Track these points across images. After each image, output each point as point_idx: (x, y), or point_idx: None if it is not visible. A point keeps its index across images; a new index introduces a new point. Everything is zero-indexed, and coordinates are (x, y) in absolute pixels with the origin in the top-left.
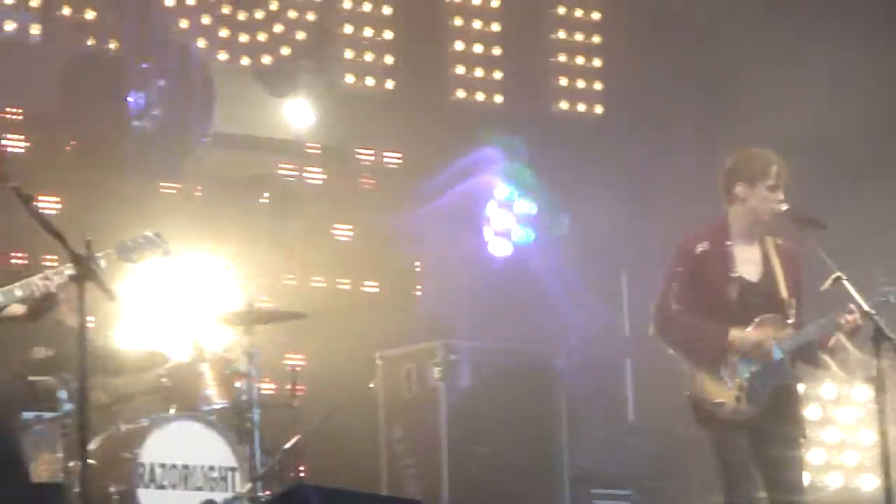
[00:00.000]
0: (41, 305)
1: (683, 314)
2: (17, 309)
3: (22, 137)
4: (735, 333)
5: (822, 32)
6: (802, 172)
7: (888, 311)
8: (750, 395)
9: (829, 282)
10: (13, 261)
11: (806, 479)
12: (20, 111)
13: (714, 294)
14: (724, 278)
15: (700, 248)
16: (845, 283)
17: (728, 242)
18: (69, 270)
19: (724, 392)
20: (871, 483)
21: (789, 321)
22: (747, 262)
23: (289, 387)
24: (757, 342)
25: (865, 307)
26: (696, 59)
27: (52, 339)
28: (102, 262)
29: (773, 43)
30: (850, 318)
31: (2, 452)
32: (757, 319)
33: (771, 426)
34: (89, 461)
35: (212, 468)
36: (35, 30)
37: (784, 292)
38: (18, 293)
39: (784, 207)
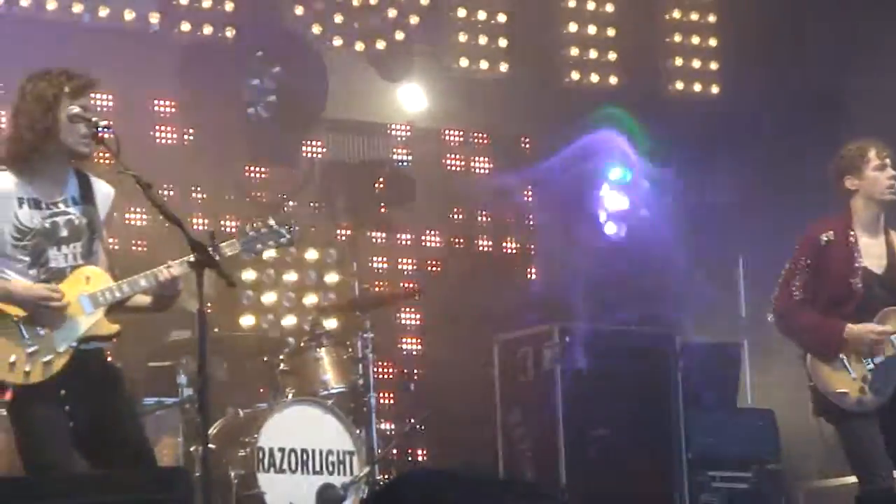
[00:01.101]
0: (165, 294)
1: (805, 305)
2: (143, 299)
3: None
4: (851, 332)
5: None
6: None
7: None
8: (873, 386)
9: None
10: (134, 248)
11: None
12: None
13: (839, 285)
14: (849, 269)
15: (825, 238)
16: None
17: (851, 233)
18: (189, 258)
19: (847, 382)
20: None
21: None
22: (872, 255)
23: (405, 371)
24: (873, 342)
25: None
26: (816, 38)
27: (186, 322)
28: (227, 253)
29: None
30: None
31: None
32: (881, 312)
33: None
34: (209, 446)
35: (330, 452)
36: (154, 18)
37: None
38: (143, 283)
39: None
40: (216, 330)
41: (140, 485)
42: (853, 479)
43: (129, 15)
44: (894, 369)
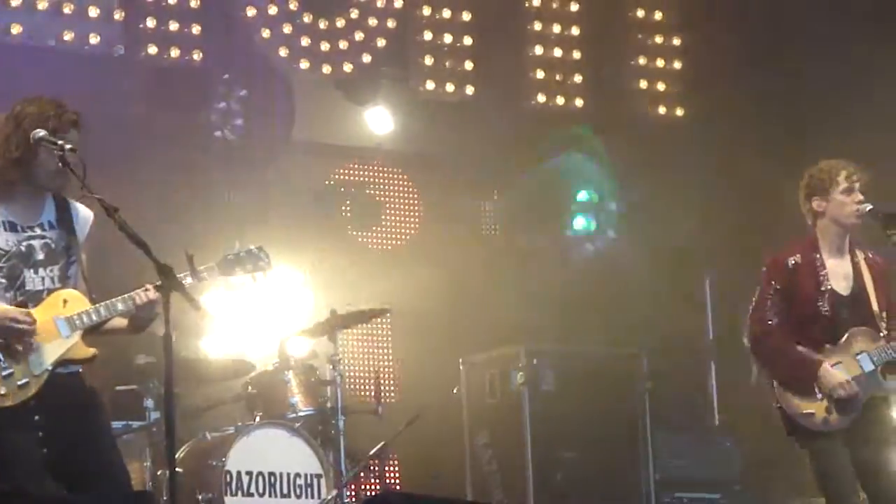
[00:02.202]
0: (142, 317)
1: (779, 330)
2: (120, 322)
3: None
4: (824, 374)
5: None
6: None
7: None
8: (840, 407)
9: None
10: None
11: None
12: None
13: (806, 308)
14: (816, 292)
15: (792, 261)
16: None
17: (817, 255)
18: (156, 282)
19: (812, 403)
20: None
21: (881, 334)
22: (838, 276)
23: (373, 393)
24: (842, 387)
25: None
26: (780, 60)
27: (151, 347)
28: (206, 277)
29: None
30: None
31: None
32: (848, 333)
33: (864, 433)
34: (177, 470)
35: (298, 475)
36: (119, 42)
37: (875, 305)
38: (120, 306)
39: (868, 208)
40: (183, 354)
41: None
42: (820, 500)
43: (94, 39)
44: (862, 390)
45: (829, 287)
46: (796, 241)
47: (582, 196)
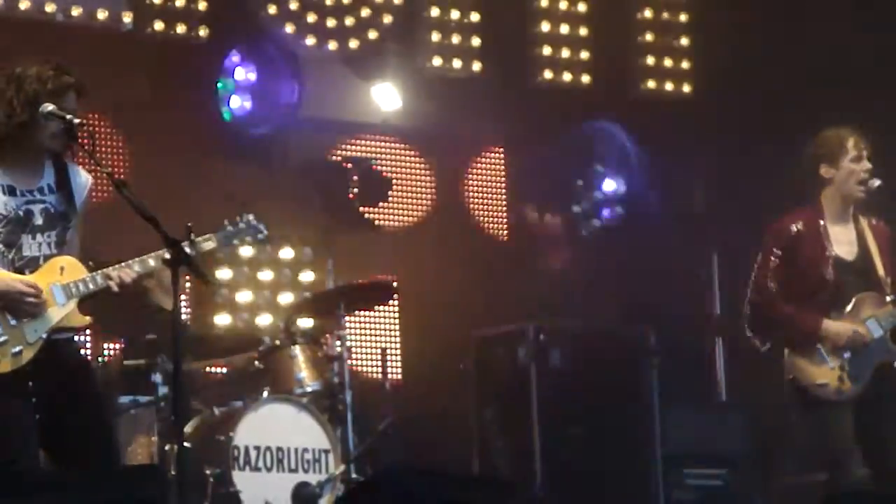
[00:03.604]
0: (133, 289)
1: (780, 296)
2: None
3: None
4: (827, 329)
5: None
6: None
7: None
8: (852, 373)
9: None
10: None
11: None
12: None
13: (810, 274)
14: (820, 258)
15: (795, 228)
16: None
17: (821, 222)
18: (165, 255)
19: (825, 372)
20: None
21: (888, 298)
22: (842, 242)
23: (380, 369)
24: (850, 337)
25: None
26: (788, 36)
27: (156, 323)
28: (205, 247)
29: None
30: None
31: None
32: (854, 298)
33: (876, 403)
34: (184, 444)
35: (305, 450)
36: (126, 17)
37: (881, 270)
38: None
39: (877, 183)
40: (191, 329)
41: (113, 482)
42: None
43: (101, 14)
44: (872, 355)
45: (832, 253)
46: (799, 208)
47: (590, 173)
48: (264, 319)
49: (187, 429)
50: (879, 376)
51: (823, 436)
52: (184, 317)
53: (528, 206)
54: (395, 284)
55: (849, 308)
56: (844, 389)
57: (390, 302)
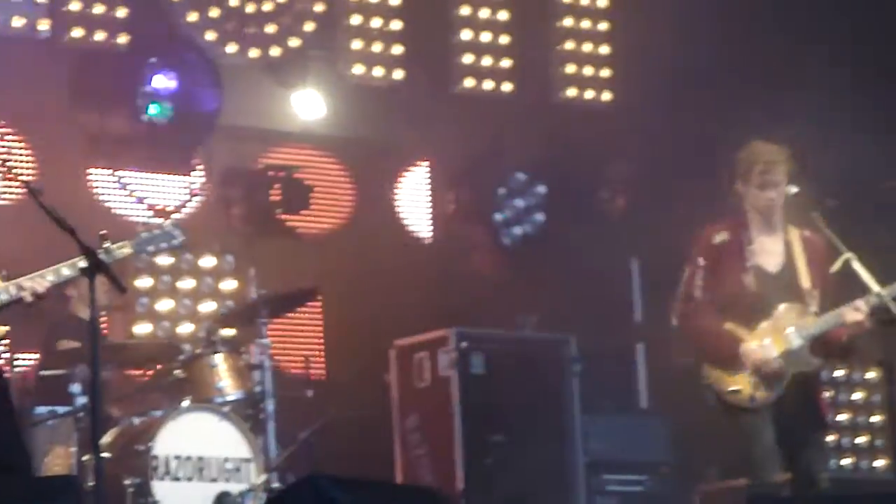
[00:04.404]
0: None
1: (705, 306)
2: (27, 298)
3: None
4: (745, 351)
5: None
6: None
7: None
8: (767, 383)
9: (838, 263)
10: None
11: (826, 461)
12: None
13: (732, 283)
14: (741, 268)
15: (718, 238)
16: (855, 265)
17: (744, 233)
18: (81, 263)
19: (740, 379)
20: (881, 464)
21: (811, 310)
22: (767, 253)
23: (303, 377)
24: (765, 360)
25: (876, 289)
26: (709, 45)
27: (77, 332)
28: (120, 254)
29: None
30: (853, 315)
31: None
32: (777, 309)
33: (792, 412)
34: (103, 454)
35: (226, 460)
36: (43, 25)
37: (806, 282)
38: (29, 284)
39: (793, 190)
40: (110, 338)
41: (27, 494)
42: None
43: (17, 21)
44: (789, 365)
45: (754, 263)
46: (726, 218)
47: (511, 179)
48: (185, 328)
49: (106, 439)
50: (795, 384)
51: (743, 441)
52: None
53: (450, 214)
54: (314, 292)
55: (771, 318)
56: (758, 397)
57: (313, 310)
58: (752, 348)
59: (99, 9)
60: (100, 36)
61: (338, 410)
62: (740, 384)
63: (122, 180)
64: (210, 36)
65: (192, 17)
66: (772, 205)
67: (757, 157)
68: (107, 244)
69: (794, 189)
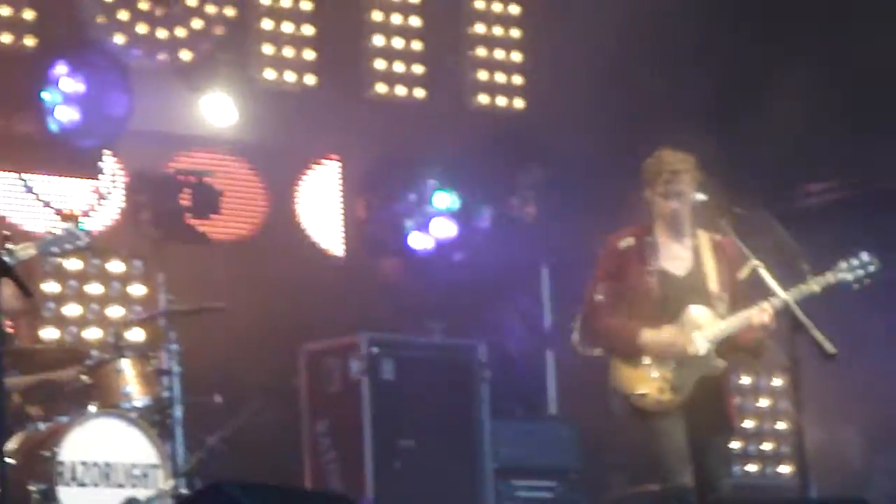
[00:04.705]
0: None
1: (607, 309)
2: None
3: None
4: (646, 337)
5: None
6: None
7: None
8: (674, 385)
9: (746, 270)
10: None
11: (730, 467)
12: None
13: (638, 288)
14: (645, 272)
15: (624, 244)
16: (762, 272)
17: (649, 238)
18: None
19: (647, 383)
20: (786, 470)
21: (719, 313)
22: (674, 258)
23: (212, 383)
24: (668, 343)
25: (782, 295)
26: (619, 52)
27: None
28: (24, 255)
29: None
30: (760, 317)
31: None
32: (683, 312)
33: (698, 415)
34: (7, 460)
35: (134, 465)
36: None
37: (714, 286)
38: None
39: (700, 198)
40: (15, 342)
41: None
42: (656, 486)
43: None
44: (695, 368)
45: (659, 268)
46: (633, 224)
47: (423, 188)
48: (93, 334)
49: (11, 445)
50: (701, 387)
51: (653, 445)
52: (7, 329)
53: (361, 219)
54: (224, 308)
55: (677, 321)
56: (664, 400)
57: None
58: (652, 333)
59: (5, 10)
60: (6, 38)
61: (247, 416)
62: (648, 387)
63: (28, 184)
64: (119, 39)
65: (101, 19)
66: (677, 213)
67: (663, 165)
68: (9, 245)
69: (701, 197)
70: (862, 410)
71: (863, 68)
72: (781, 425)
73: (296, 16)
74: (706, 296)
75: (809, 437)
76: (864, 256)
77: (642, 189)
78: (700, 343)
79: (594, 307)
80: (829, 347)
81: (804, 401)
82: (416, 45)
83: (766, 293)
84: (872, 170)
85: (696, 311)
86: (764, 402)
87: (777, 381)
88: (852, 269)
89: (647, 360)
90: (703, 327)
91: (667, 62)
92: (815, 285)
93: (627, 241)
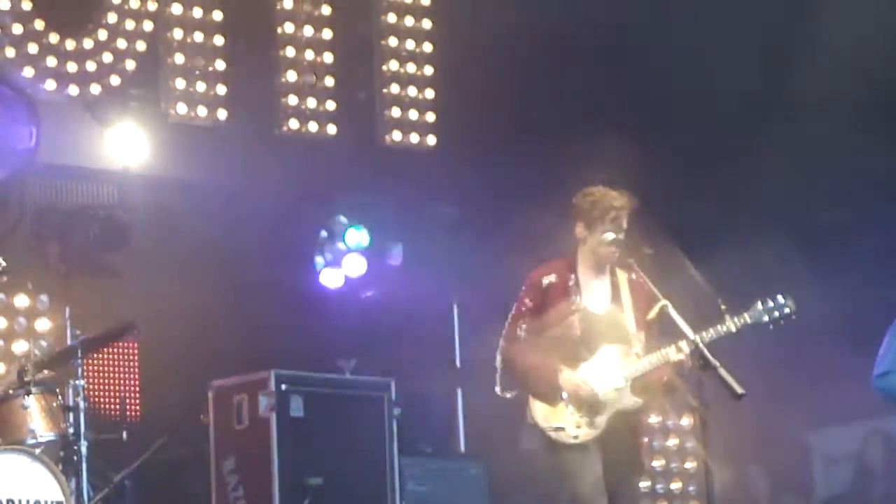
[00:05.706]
0: None
1: (527, 345)
2: None
3: None
4: (563, 379)
5: None
6: None
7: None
8: (591, 420)
9: (654, 310)
10: None
11: None
12: None
13: (559, 325)
14: (567, 310)
15: (546, 280)
16: (670, 311)
17: (572, 276)
18: None
19: (564, 417)
20: None
21: (635, 351)
22: (594, 296)
23: (118, 419)
24: (580, 386)
25: (690, 335)
26: (532, 90)
27: None
28: None
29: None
30: (677, 356)
31: None
32: (600, 350)
33: (613, 452)
34: None
35: (38, 502)
36: None
37: (631, 324)
38: None
39: (610, 237)
40: None
41: None
42: None
43: None
44: (612, 405)
45: (581, 306)
46: (556, 261)
47: (333, 224)
48: None
49: None
50: (616, 424)
51: (569, 480)
52: None
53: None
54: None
55: (594, 359)
56: (581, 434)
57: (129, 351)
58: (570, 374)
59: None
60: None
61: (153, 452)
62: (564, 421)
63: None
64: (28, 72)
65: (10, 52)
66: (613, 254)
67: (610, 204)
68: None
69: (611, 236)
70: (768, 451)
71: None
72: (690, 465)
73: (207, 51)
74: (624, 333)
75: (717, 476)
76: (780, 299)
77: (576, 222)
78: (617, 380)
79: (517, 345)
80: (737, 388)
81: (711, 441)
82: (329, 82)
83: (679, 333)
84: None
85: (612, 350)
86: (672, 442)
87: (685, 421)
88: (768, 310)
89: (564, 395)
90: (620, 365)
91: (578, 96)
92: (731, 325)
93: (549, 278)
